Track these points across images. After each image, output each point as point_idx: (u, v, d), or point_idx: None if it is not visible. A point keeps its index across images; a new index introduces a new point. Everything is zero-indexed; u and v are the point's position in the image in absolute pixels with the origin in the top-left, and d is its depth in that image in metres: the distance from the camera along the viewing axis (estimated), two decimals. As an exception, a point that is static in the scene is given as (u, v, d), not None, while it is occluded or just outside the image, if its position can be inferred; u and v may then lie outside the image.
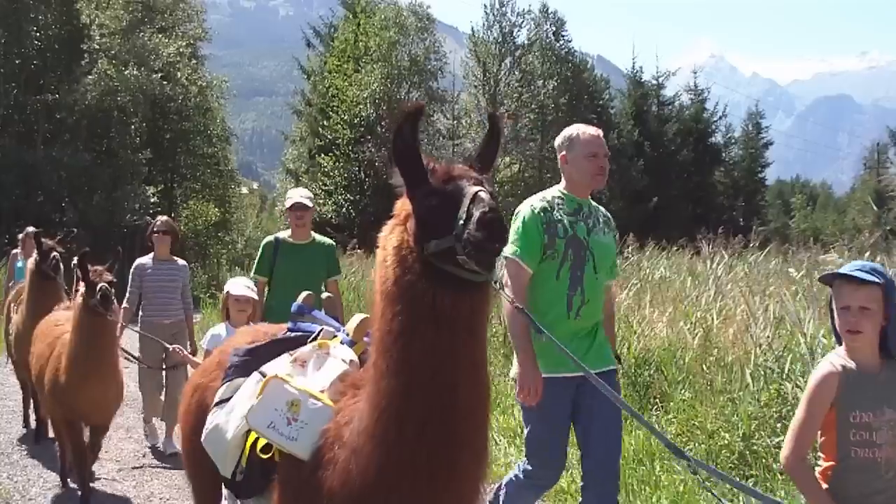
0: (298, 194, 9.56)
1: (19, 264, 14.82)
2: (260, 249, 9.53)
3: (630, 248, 19.12)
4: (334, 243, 10.12)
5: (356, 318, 4.53)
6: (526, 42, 56.82)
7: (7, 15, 35.79)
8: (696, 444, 8.63)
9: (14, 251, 15.58)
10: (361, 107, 49.23)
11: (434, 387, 3.25)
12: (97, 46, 38.61)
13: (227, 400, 4.53)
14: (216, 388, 4.71)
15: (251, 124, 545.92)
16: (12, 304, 11.99)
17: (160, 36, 41.53)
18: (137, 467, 9.71)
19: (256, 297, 8.20)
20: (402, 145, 3.61)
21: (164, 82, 40.27)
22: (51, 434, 10.16)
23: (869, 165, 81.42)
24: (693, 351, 10.84)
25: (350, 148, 49.14)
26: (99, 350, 8.01)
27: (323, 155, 49.49)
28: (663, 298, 13.42)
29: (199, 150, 47.29)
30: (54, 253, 10.36)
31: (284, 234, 9.55)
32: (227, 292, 7.95)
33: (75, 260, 8.54)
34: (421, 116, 3.61)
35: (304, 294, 5.29)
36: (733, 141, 66.55)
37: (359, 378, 3.84)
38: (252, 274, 9.40)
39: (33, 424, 11.30)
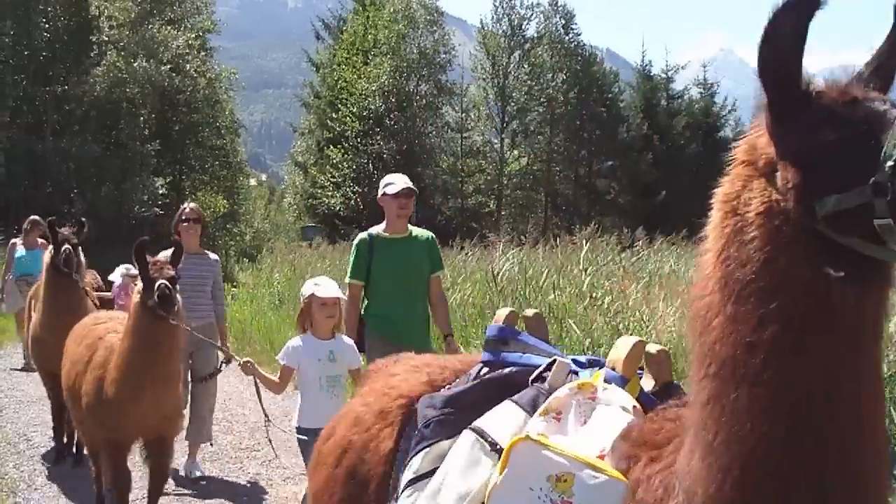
0: (403, 180, 8.33)
1: (19, 254, 14.91)
2: (354, 249, 8.25)
3: (640, 242, 19.07)
4: (433, 234, 8.73)
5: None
6: (535, 35, 56.88)
7: (16, 7, 35.85)
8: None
9: (14, 240, 15.50)
10: (370, 99, 49.33)
11: (832, 429, 2.10)
12: (106, 38, 38.62)
13: (428, 476, 3.18)
14: (387, 451, 3.45)
15: (260, 116, 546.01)
16: (32, 301, 10.53)
17: (169, 28, 41.53)
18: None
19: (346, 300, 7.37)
20: (776, 47, 2.22)
21: (173, 74, 40.29)
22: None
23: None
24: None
25: (359, 140, 49.19)
26: (158, 360, 6.72)
27: (331, 147, 49.56)
28: (673, 292, 13.38)
29: (208, 141, 47.28)
30: (66, 246, 9.15)
31: (377, 228, 8.30)
32: (311, 295, 6.65)
33: (134, 251, 7.05)
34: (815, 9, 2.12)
35: (503, 312, 3.79)
36: (743, 135, 66.23)
37: (652, 432, 2.64)
38: (348, 278, 8.14)
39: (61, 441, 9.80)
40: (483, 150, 56.43)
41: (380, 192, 8.32)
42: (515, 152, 56.55)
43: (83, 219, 9.89)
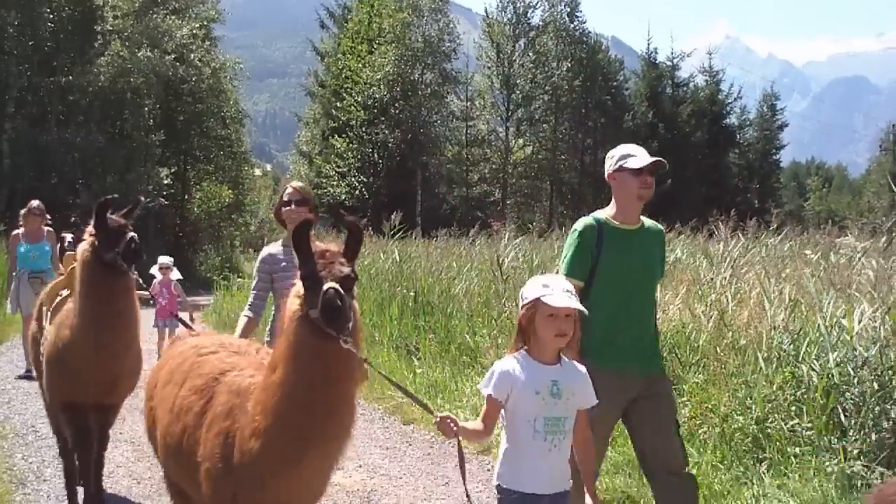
0: (644, 151, 6.29)
1: (22, 248, 14.05)
2: (576, 237, 6.08)
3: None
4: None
5: None
6: (540, 23, 56.89)
7: (20, -3, 35.82)
8: (710, 428, 8.59)
9: (14, 233, 14.46)
10: (375, 88, 49.30)
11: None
12: (110, 28, 38.59)
13: None
14: None
15: (264, 106, 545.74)
16: (45, 309, 7.89)
17: (173, 17, 41.52)
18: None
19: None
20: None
21: (178, 64, 40.30)
22: None
23: (885, 147, 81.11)
24: (707, 333, 10.79)
25: (364, 129, 49.21)
26: (330, 406, 4.58)
27: (336, 136, 49.56)
28: (677, 280, 13.36)
29: (213, 131, 47.36)
30: (132, 234, 6.77)
31: (604, 213, 6.16)
32: (537, 300, 4.71)
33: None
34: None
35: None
36: (748, 122, 66.41)
37: None
38: (563, 274, 5.87)
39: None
40: (488, 139, 56.43)
41: (612, 166, 6.17)
42: (520, 141, 56.53)
43: (141, 197, 7.99)
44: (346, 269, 4.24)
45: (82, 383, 6.99)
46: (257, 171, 74.05)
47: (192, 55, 42.27)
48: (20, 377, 13.65)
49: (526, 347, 4.81)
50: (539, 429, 4.66)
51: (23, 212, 14.27)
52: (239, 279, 26.35)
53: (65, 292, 7.76)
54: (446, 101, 54.61)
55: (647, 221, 6.33)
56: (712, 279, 12.82)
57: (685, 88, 62.75)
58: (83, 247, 6.92)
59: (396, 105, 50.09)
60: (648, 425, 5.92)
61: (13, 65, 36.19)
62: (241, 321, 7.13)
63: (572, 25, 57.48)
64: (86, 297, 6.82)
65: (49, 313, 7.84)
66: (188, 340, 5.68)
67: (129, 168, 37.61)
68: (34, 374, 12.60)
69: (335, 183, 49.06)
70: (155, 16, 40.15)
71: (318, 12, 60.28)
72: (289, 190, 7.53)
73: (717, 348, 10.17)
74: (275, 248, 7.47)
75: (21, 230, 14.23)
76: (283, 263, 7.13)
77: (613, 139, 56.00)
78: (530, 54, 55.95)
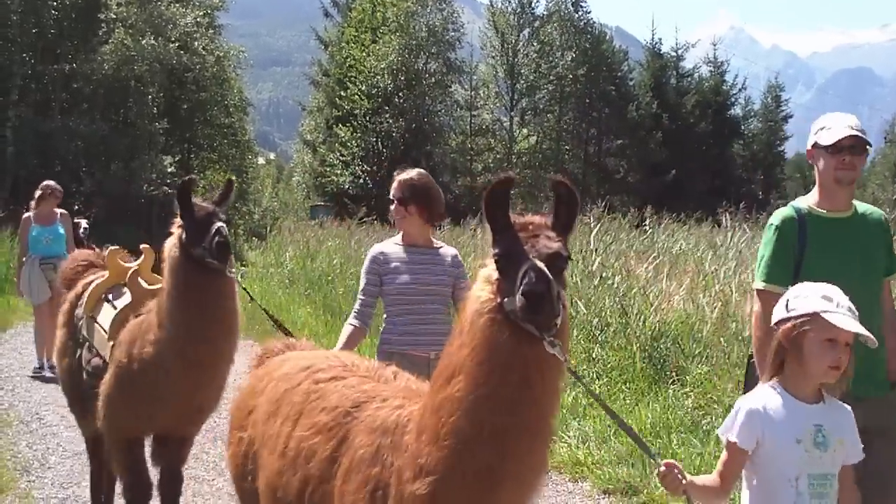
0: (845, 122, 5.06)
1: (34, 232, 13.11)
2: (773, 232, 5.16)
3: (649, 221, 19.05)
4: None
5: None
6: (545, 13, 56.84)
7: (24, -16, 35.78)
8: (714, 418, 8.60)
9: (27, 214, 13.36)
10: (379, 77, 49.26)
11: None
12: (114, 16, 38.55)
13: None
14: None
15: (268, 94, 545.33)
16: (87, 316, 6.77)
17: (177, 5, 41.44)
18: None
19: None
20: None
21: (181, 52, 40.21)
22: None
23: (889, 139, 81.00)
24: (711, 324, 10.79)
25: (367, 118, 49.16)
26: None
27: (340, 125, 49.52)
28: (681, 271, 13.37)
29: (216, 120, 47.27)
30: (219, 224, 5.76)
31: (806, 199, 5.26)
32: (814, 315, 3.76)
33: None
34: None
35: None
36: (752, 113, 66.29)
37: None
38: (760, 281, 5.10)
39: None
40: (492, 129, 56.41)
41: (809, 141, 5.19)
42: (525, 130, 56.52)
43: (231, 178, 6.83)
44: (555, 245, 3.20)
45: (163, 412, 5.91)
46: (261, 160, 74.05)
47: (196, 43, 42.17)
48: (33, 375, 12.84)
49: (778, 377, 3.90)
50: (802, 490, 3.73)
51: (37, 193, 13.31)
52: (244, 267, 26.30)
53: (120, 301, 6.46)
54: (450, 90, 54.59)
55: (863, 206, 5.28)
56: (716, 270, 12.82)
57: (689, 79, 62.69)
58: (170, 240, 5.89)
59: (400, 94, 50.05)
60: (875, 479, 4.48)
61: (17, 52, 36.17)
62: (346, 330, 6.12)
63: (577, 15, 57.45)
64: (176, 302, 5.67)
65: (97, 324, 6.51)
66: (291, 358, 4.55)
67: (132, 156, 37.60)
68: (46, 371, 12.49)
69: (339, 172, 49.07)
70: (159, 4, 40.06)
71: (322, 1, 60.19)
72: (407, 175, 6.39)
73: (722, 338, 10.19)
74: (388, 246, 6.38)
75: (32, 212, 13.24)
76: (395, 264, 6.17)
77: (617, 130, 56.20)
78: (535, 44, 55.95)
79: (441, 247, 6.49)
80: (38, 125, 35.33)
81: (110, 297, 6.73)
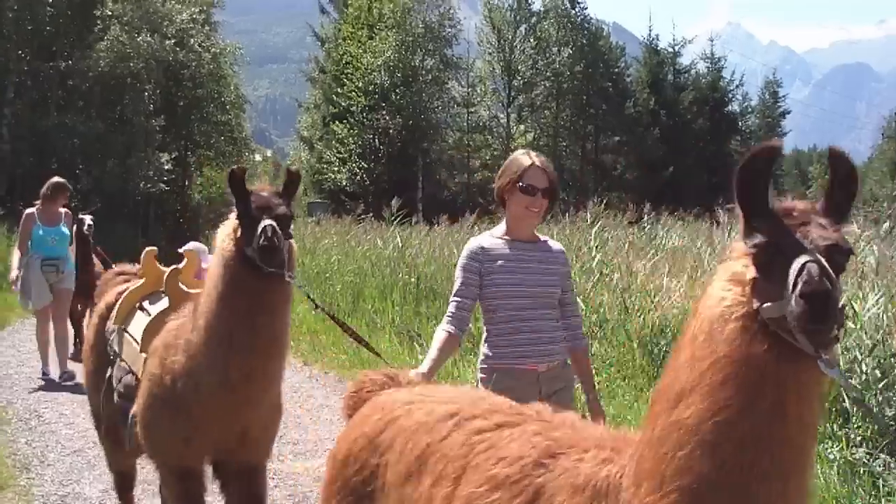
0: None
1: (40, 231, 12.26)
2: None
3: (647, 217, 19.06)
4: None
5: None
6: (541, 9, 57.00)
7: (20, -20, 35.77)
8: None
9: (29, 211, 12.44)
10: (376, 74, 49.24)
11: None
12: (110, 13, 38.57)
13: None
14: None
15: (264, 91, 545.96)
16: (118, 327, 6.11)
17: (173, 2, 41.48)
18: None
19: None
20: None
21: (178, 49, 40.27)
22: None
23: (887, 135, 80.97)
24: (710, 321, 10.80)
25: (364, 115, 49.15)
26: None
27: (337, 122, 49.52)
28: (680, 268, 13.38)
29: (213, 117, 47.33)
30: (268, 222, 4.84)
31: None
32: None
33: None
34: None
35: None
36: (750, 110, 66.43)
37: None
38: None
39: None
40: (489, 125, 56.40)
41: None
42: (522, 127, 56.50)
43: (295, 169, 5.63)
44: (834, 235, 2.50)
45: (201, 436, 5.11)
46: (258, 157, 74.09)
47: (192, 40, 42.21)
48: (43, 383, 12.06)
49: None
50: None
51: (45, 190, 12.49)
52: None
53: (156, 308, 5.84)
54: (447, 87, 54.57)
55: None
56: (714, 266, 12.82)
57: (687, 75, 62.75)
58: (223, 231, 5.13)
59: (397, 91, 50.01)
60: None
61: (13, 50, 36.19)
62: (438, 336, 5.19)
63: (573, 11, 57.45)
64: (217, 306, 4.86)
65: (128, 335, 5.88)
66: (413, 400, 3.69)
67: (129, 153, 37.64)
68: (56, 377, 12.19)
69: (336, 169, 49.07)
70: (155, 0, 40.07)
71: (319, -3, 60.23)
72: (528, 166, 5.36)
73: (721, 335, 10.17)
74: (488, 239, 5.48)
75: (36, 209, 12.39)
76: (500, 262, 5.33)
77: (615, 126, 56.25)
78: (531, 40, 55.97)
79: (546, 240, 5.68)
80: (34, 123, 35.37)
81: (146, 304, 6.07)
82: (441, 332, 5.19)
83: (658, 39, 62.50)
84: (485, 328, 5.45)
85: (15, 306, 18.71)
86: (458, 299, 5.30)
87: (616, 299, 12.12)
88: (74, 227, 13.35)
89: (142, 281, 6.30)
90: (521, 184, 5.27)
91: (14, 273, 12.24)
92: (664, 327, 11.11)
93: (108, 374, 6.00)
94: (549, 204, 5.44)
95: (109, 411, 6.01)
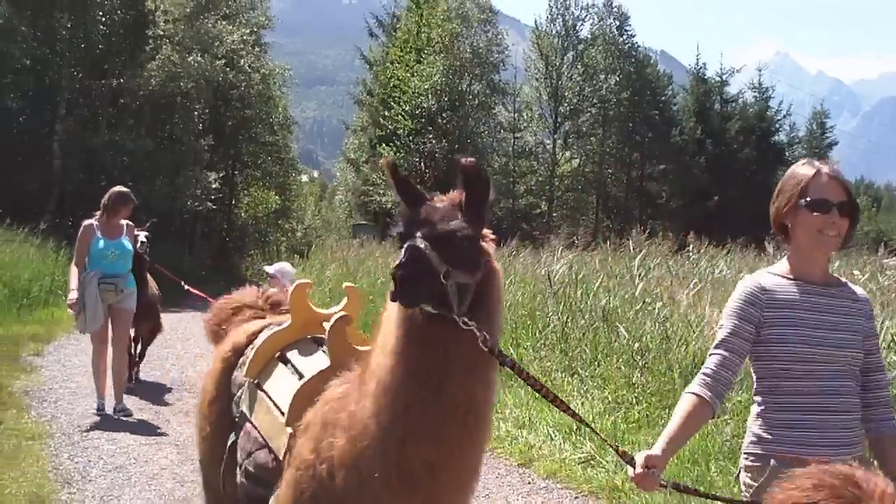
0: None
1: (100, 244, 11.07)
2: None
3: (692, 246, 18.99)
4: None
5: None
6: (589, 36, 56.99)
7: (74, 0, 36.16)
8: (754, 447, 8.54)
9: (88, 222, 11.25)
10: (423, 98, 49.32)
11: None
12: (161, 32, 38.90)
13: None
14: None
15: (312, 113, 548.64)
16: (248, 382, 4.86)
17: (224, 23, 41.76)
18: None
19: None
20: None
21: (227, 69, 40.51)
22: None
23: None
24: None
25: (411, 139, 49.26)
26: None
27: (384, 145, 49.63)
28: (723, 298, 13.31)
29: (261, 137, 47.68)
30: (408, 244, 3.50)
31: None
32: None
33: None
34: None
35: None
36: (797, 140, 65.95)
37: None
38: None
39: None
40: (535, 151, 56.47)
41: None
42: (567, 153, 56.48)
43: (466, 161, 3.32)
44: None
45: None
46: (304, 178, 74.53)
47: (242, 61, 42.50)
48: (98, 420, 10.95)
49: None
50: None
51: (106, 200, 11.36)
52: (285, 284, 26.36)
53: (307, 363, 4.56)
54: (494, 112, 54.60)
55: None
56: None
57: (734, 104, 62.45)
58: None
59: (444, 115, 50.10)
60: None
61: (65, 68, 36.54)
62: (685, 402, 3.99)
63: (621, 39, 57.48)
64: (397, 367, 3.57)
65: (266, 397, 4.61)
66: None
67: (178, 172, 37.88)
68: (112, 412, 11.09)
69: (382, 191, 49.19)
70: (206, 21, 40.40)
71: (367, 21, 60.50)
72: (817, 172, 4.04)
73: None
74: (768, 278, 4.18)
75: (97, 221, 11.24)
76: (786, 311, 4.02)
77: (660, 154, 56.15)
78: (579, 67, 55.98)
79: (846, 283, 4.28)
80: (84, 140, 35.68)
81: (291, 356, 4.79)
82: (689, 395, 4.00)
83: (705, 68, 62.31)
84: (756, 399, 4.16)
85: (62, 321, 18.94)
86: (723, 354, 4.06)
87: (658, 328, 12.08)
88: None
89: (286, 322, 4.99)
90: (806, 199, 3.98)
91: (73, 294, 10.81)
92: (705, 358, 11.04)
93: (230, 441, 4.80)
94: (850, 225, 4.04)
95: (231, 492, 4.72)
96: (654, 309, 12.80)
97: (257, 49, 46.51)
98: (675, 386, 10.64)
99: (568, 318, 13.47)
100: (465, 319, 3.49)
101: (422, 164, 49.57)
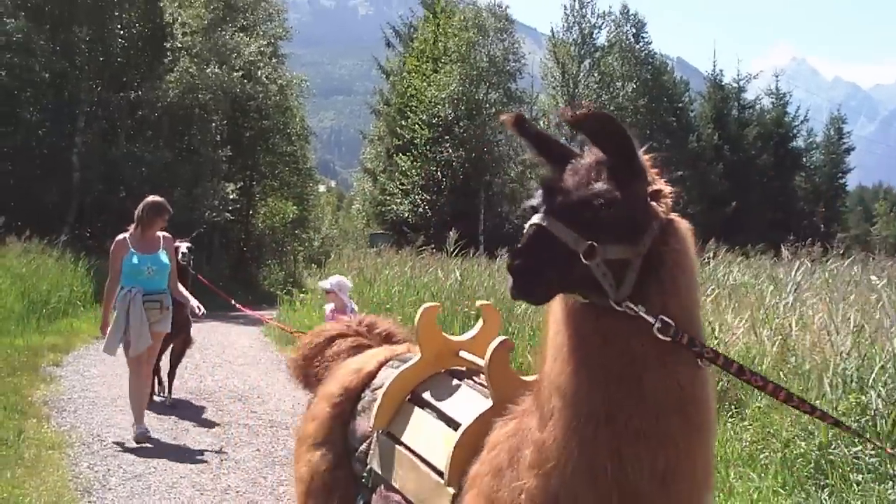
0: None
1: (135, 259, 10.19)
2: None
3: (710, 252, 18.95)
4: None
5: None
6: (605, 44, 56.83)
7: (92, 13, 36.34)
8: (772, 452, 8.52)
9: (121, 237, 10.40)
10: (439, 107, 49.39)
11: None
12: (179, 45, 39.08)
13: None
14: None
15: (329, 123, 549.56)
16: (339, 416, 4.27)
17: (241, 35, 41.90)
18: (217, 451, 9.75)
19: None
20: None
21: (245, 81, 40.64)
22: None
23: (954, 172, 79.90)
24: (771, 357, 10.71)
25: (428, 148, 49.29)
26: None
27: (400, 154, 49.75)
28: (741, 304, 13.28)
29: (279, 148, 47.82)
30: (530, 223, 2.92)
31: None
32: None
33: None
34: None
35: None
36: (814, 146, 65.81)
37: None
38: None
39: None
40: (552, 159, 56.35)
41: None
42: (585, 161, 56.40)
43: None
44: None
45: None
46: (322, 188, 74.68)
47: (260, 72, 42.62)
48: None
49: None
50: None
51: (139, 211, 10.57)
52: (303, 294, 26.45)
53: (456, 405, 3.75)
54: (511, 121, 54.63)
55: None
56: (776, 303, 12.73)
57: (751, 110, 62.36)
58: None
59: (461, 124, 50.13)
60: None
61: (84, 80, 36.72)
62: None
63: (638, 46, 57.44)
64: (584, 367, 2.86)
65: (406, 451, 3.80)
66: None
67: (196, 183, 38.02)
68: (143, 432, 10.20)
69: (399, 201, 49.27)
70: (223, 33, 40.55)
71: (384, 31, 60.61)
72: None
73: (781, 372, 10.10)
74: None
75: (130, 234, 10.41)
76: None
77: (678, 161, 55.88)
78: (595, 75, 55.94)
79: None
80: (103, 151, 35.89)
81: (428, 397, 3.94)
82: None
83: (722, 75, 62.30)
84: None
85: (80, 332, 19.03)
86: None
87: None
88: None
89: (415, 357, 4.13)
90: None
91: (111, 318, 10.08)
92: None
93: None
94: None
95: None
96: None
97: (274, 60, 46.64)
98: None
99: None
100: (630, 304, 2.77)
101: (439, 172, 49.60)
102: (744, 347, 11.23)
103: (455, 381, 3.94)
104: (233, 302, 13.73)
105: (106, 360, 12.68)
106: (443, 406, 3.82)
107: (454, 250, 20.44)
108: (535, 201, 2.93)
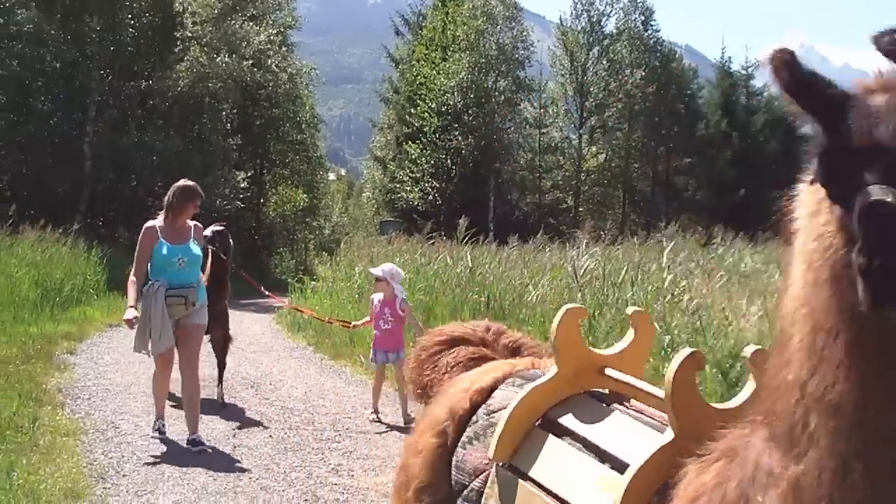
0: None
1: (164, 250, 9.27)
2: None
3: (718, 239, 18.95)
4: None
5: None
6: (614, 31, 56.67)
7: (103, 3, 36.40)
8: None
9: (150, 223, 9.49)
10: (448, 95, 49.40)
11: None
12: (189, 34, 39.14)
13: None
14: None
15: (339, 111, 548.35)
16: (444, 446, 3.32)
17: (251, 24, 41.95)
18: (230, 437, 9.79)
19: None
20: None
21: (255, 69, 40.68)
22: None
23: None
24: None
25: (437, 136, 49.31)
26: None
27: (410, 142, 49.76)
28: (752, 291, 13.28)
29: (289, 136, 47.91)
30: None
31: None
32: None
33: None
34: None
35: None
36: (823, 134, 65.49)
37: None
38: None
39: None
40: (561, 146, 56.25)
41: None
42: (593, 148, 56.29)
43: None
44: None
45: None
46: (332, 176, 74.71)
47: (269, 61, 42.67)
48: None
49: None
50: None
51: (170, 197, 9.52)
52: (314, 282, 26.48)
53: (608, 438, 2.84)
54: (519, 108, 54.53)
55: None
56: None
57: (759, 97, 62.06)
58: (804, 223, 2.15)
59: (470, 112, 50.13)
60: None
61: (95, 70, 36.80)
62: None
63: (646, 34, 57.22)
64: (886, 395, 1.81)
65: (541, 494, 2.87)
66: None
67: (206, 172, 38.04)
68: (163, 428, 9.91)
69: (409, 188, 49.29)
70: (233, 22, 40.58)
71: (393, 19, 60.60)
72: None
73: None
74: None
75: (160, 223, 9.46)
76: None
77: (686, 148, 55.90)
78: (604, 62, 55.78)
79: None
80: (114, 141, 35.96)
81: (570, 423, 3.05)
82: None
83: (731, 62, 61.88)
84: None
85: (94, 319, 19.11)
86: None
87: (687, 321, 12.03)
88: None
89: (548, 372, 3.24)
90: None
91: (131, 312, 9.04)
92: (739, 352, 10.94)
93: None
94: None
95: None
96: (682, 301, 12.76)
97: (284, 49, 46.69)
98: (706, 380, 10.62)
99: (595, 311, 13.46)
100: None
101: (448, 160, 49.63)
102: (758, 334, 11.25)
103: (598, 404, 3.08)
104: (262, 289, 13.79)
105: (118, 347, 12.76)
106: (593, 436, 2.89)
107: (464, 238, 20.47)
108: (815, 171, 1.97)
